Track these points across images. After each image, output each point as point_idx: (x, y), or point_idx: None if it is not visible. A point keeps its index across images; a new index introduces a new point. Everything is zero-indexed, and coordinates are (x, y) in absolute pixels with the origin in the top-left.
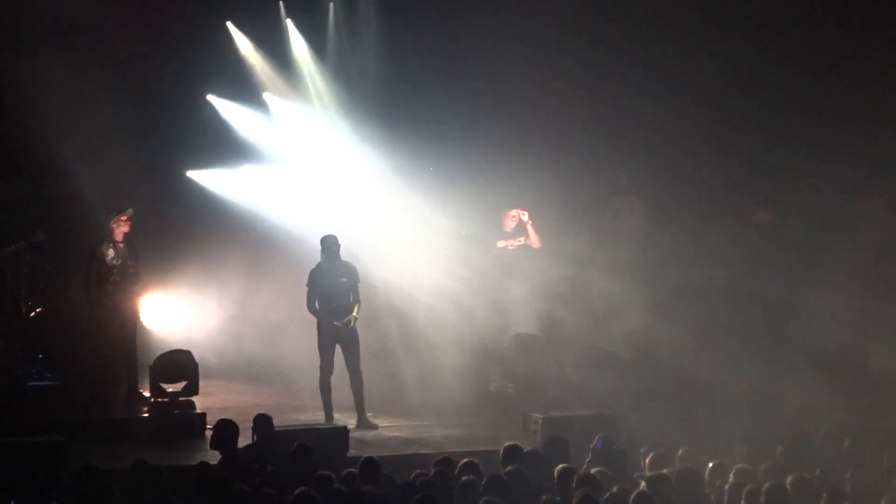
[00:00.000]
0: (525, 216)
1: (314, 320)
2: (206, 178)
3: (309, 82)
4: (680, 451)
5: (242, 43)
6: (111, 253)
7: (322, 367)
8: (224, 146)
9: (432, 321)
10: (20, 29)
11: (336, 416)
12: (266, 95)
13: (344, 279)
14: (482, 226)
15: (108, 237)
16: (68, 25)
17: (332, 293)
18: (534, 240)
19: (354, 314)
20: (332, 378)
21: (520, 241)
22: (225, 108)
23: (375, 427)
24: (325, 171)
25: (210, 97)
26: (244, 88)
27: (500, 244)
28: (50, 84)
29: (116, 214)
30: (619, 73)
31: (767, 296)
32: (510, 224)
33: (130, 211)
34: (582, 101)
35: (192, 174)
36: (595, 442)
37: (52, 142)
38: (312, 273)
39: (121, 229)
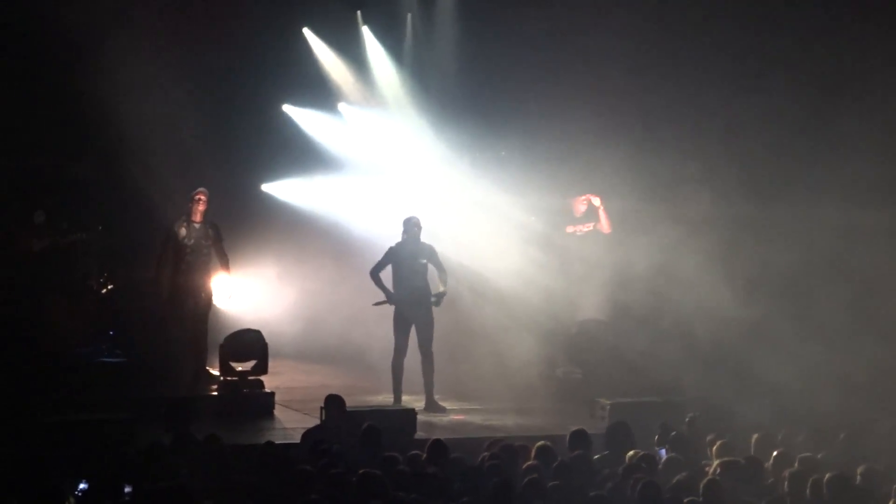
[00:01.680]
0: (597, 201)
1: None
2: (282, 189)
3: (385, 87)
4: (755, 437)
5: (320, 49)
6: (184, 232)
7: (396, 349)
8: (301, 156)
9: (501, 306)
10: (103, 13)
11: (404, 398)
12: (341, 105)
13: (423, 260)
14: (552, 211)
15: (186, 216)
16: (149, 22)
17: (411, 274)
18: (604, 225)
19: (442, 289)
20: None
21: (589, 227)
22: (301, 116)
23: (443, 410)
24: (402, 170)
25: (286, 107)
26: (321, 96)
27: (569, 229)
28: (125, 68)
29: (193, 193)
30: (691, 61)
31: (842, 281)
32: (580, 209)
33: (202, 189)
34: (652, 89)
35: (266, 187)
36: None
37: (123, 122)
38: (391, 249)
39: (197, 208)
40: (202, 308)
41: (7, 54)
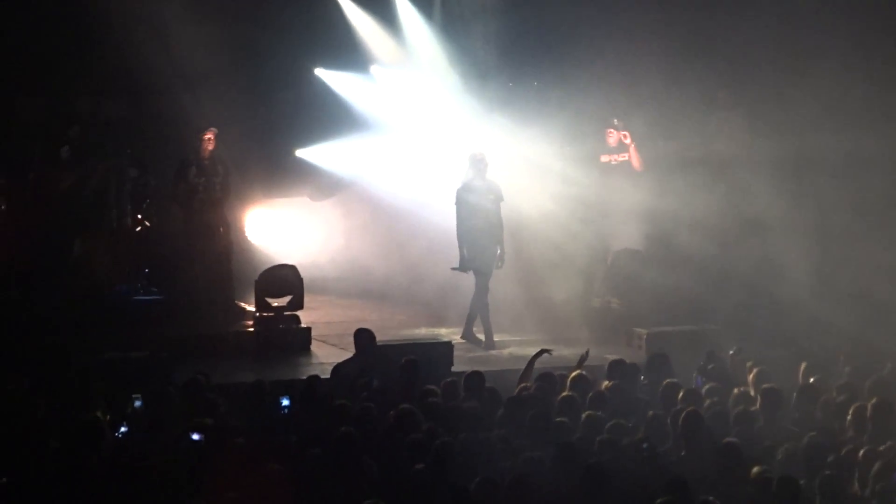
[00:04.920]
0: (627, 139)
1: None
2: (317, 153)
3: (418, 46)
4: (803, 365)
5: (351, 10)
6: (194, 171)
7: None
8: (335, 120)
9: (536, 239)
10: None
11: (442, 330)
12: (374, 68)
13: (491, 196)
14: (585, 142)
15: (195, 155)
16: None
17: (477, 210)
18: (635, 162)
19: (499, 251)
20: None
21: (623, 157)
22: (334, 79)
23: (479, 342)
24: (437, 127)
25: (318, 71)
26: (353, 59)
27: (604, 158)
28: (160, 14)
29: (200, 133)
30: None
31: (880, 205)
32: (611, 140)
33: (214, 130)
34: (679, 15)
35: (301, 153)
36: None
37: (156, 63)
38: (460, 192)
39: (205, 147)
40: (222, 244)
41: None
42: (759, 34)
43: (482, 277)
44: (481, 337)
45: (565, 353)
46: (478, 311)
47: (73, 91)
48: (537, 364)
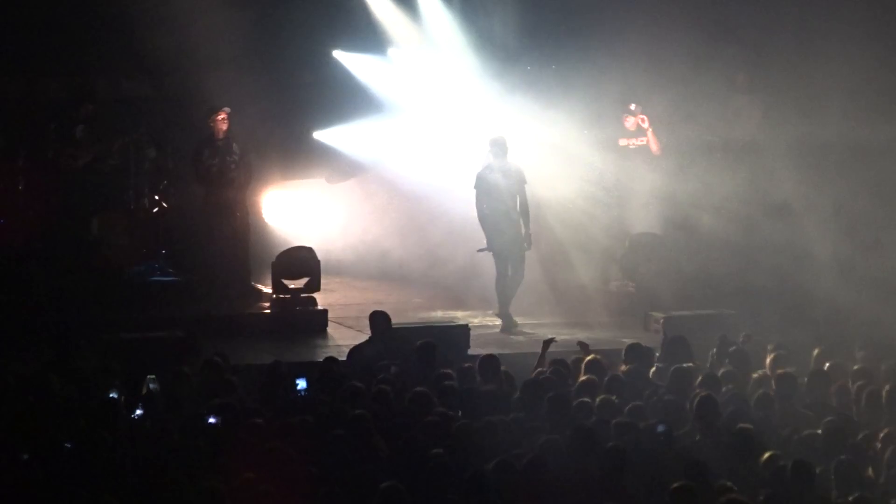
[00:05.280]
0: (645, 122)
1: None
2: (335, 135)
3: (435, 28)
4: (816, 351)
5: None
6: (207, 152)
7: (497, 272)
8: (353, 101)
9: (555, 222)
10: None
11: (459, 313)
12: (391, 51)
13: (512, 180)
14: (604, 126)
15: (208, 137)
16: None
17: (499, 195)
18: (653, 146)
19: (524, 231)
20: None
21: (642, 141)
22: (352, 62)
23: (516, 324)
24: (454, 109)
25: (336, 53)
26: (371, 40)
27: (622, 142)
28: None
29: (213, 113)
30: None
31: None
32: (629, 123)
33: (227, 109)
34: None
35: (318, 135)
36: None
37: (175, 44)
38: (480, 175)
39: (219, 128)
40: (239, 225)
41: None
42: (780, 18)
43: (500, 260)
44: (518, 319)
45: (581, 336)
46: (497, 292)
47: (91, 71)
48: (550, 349)
